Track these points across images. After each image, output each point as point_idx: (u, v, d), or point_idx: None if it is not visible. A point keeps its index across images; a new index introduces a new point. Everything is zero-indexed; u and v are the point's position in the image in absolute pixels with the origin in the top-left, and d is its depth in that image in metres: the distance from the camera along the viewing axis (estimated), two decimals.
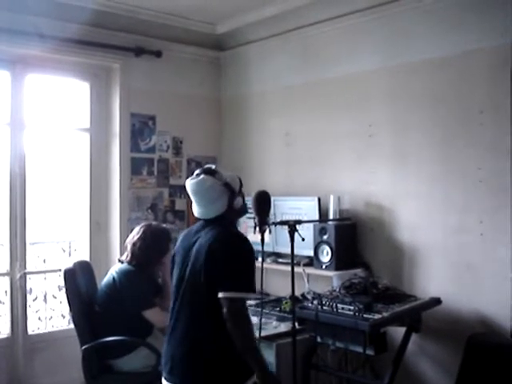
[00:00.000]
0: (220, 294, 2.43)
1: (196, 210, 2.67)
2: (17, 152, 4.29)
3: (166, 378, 2.60)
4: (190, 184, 2.64)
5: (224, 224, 2.61)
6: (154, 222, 4.11)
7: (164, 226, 4.12)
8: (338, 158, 4.27)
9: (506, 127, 3.34)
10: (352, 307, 3.23)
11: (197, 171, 2.69)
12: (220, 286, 2.44)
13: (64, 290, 3.74)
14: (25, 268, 4.32)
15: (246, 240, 2.57)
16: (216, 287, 2.45)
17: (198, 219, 2.71)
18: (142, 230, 3.82)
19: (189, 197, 2.71)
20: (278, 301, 4.14)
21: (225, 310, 2.42)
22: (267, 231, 2.97)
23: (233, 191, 2.63)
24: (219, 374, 2.48)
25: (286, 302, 3.94)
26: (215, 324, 2.47)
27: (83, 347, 3.55)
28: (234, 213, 2.67)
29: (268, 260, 4.32)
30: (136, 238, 3.78)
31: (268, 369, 2.52)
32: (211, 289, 2.46)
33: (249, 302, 2.74)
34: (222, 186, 2.60)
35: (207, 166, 2.73)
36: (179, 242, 2.76)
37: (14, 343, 4.26)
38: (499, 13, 3.38)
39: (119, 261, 3.83)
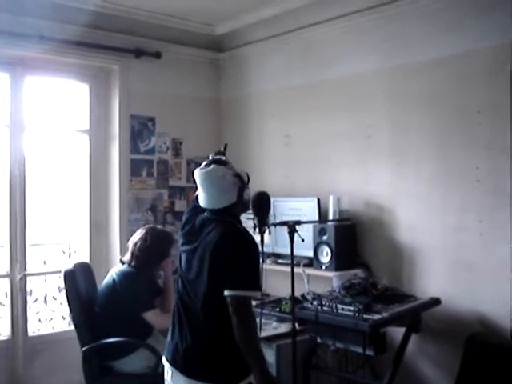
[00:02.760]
0: (226, 292, 2.43)
1: (204, 200, 2.62)
2: (16, 154, 4.30)
3: (169, 362, 2.62)
4: (200, 173, 2.60)
5: (230, 219, 2.59)
6: (158, 226, 4.12)
7: (168, 231, 4.12)
8: (337, 159, 4.27)
9: (503, 127, 3.35)
10: (352, 308, 3.23)
11: (206, 161, 2.66)
12: (226, 284, 2.44)
13: (64, 291, 3.74)
14: (25, 270, 4.32)
15: (251, 238, 2.56)
16: (221, 285, 2.44)
17: (202, 210, 2.67)
18: (144, 231, 3.83)
19: (194, 191, 2.68)
20: (278, 301, 4.14)
21: (231, 308, 2.43)
22: (267, 232, 2.97)
23: (243, 182, 2.62)
24: (219, 370, 2.49)
25: (286, 303, 3.94)
26: (218, 321, 2.49)
27: (83, 348, 3.56)
28: (241, 205, 2.65)
29: (268, 261, 4.33)
30: (138, 238, 3.79)
31: (268, 370, 2.51)
32: (216, 286, 2.46)
33: None
34: (234, 177, 2.58)
35: (216, 156, 2.71)
36: (183, 235, 2.73)
37: (14, 345, 4.26)
38: (497, 13, 3.38)
39: (121, 261, 3.83)
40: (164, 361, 2.66)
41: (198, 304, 2.54)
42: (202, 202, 2.63)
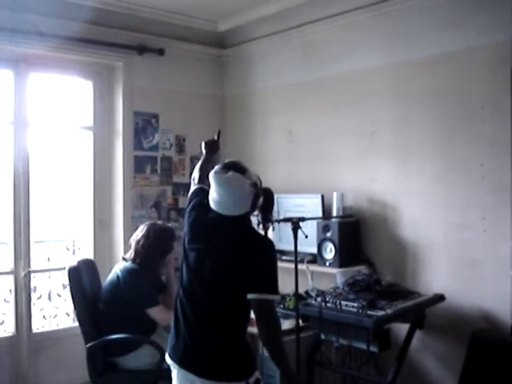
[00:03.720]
0: (251, 296, 2.43)
1: (218, 206, 2.55)
2: (20, 151, 4.30)
3: (176, 362, 2.59)
4: (217, 178, 2.53)
5: (245, 222, 2.59)
6: (159, 222, 4.12)
7: (169, 225, 4.12)
8: (340, 155, 4.27)
9: (507, 123, 3.34)
10: (356, 304, 3.23)
11: (223, 165, 2.59)
12: (252, 287, 2.44)
13: (68, 288, 3.75)
14: (29, 266, 4.33)
15: (272, 242, 2.59)
16: (241, 288, 2.45)
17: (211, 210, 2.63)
18: (146, 228, 3.83)
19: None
20: (282, 298, 4.13)
21: (257, 311, 2.44)
22: (270, 228, 2.96)
23: (258, 190, 2.59)
24: (229, 368, 2.49)
25: (290, 299, 3.95)
26: (230, 321, 2.50)
27: (87, 345, 3.56)
28: (253, 211, 2.64)
29: None
30: (140, 236, 3.79)
31: (293, 371, 2.55)
32: (234, 289, 2.47)
33: None
34: (250, 186, 2.54)
35: (233, 160, 2.65)
36: (193, 232, 2.68)
37: (18, 341, 4.27)
38: (499, 9, 3.37)
39: (123, 259, 3.84)
40: (168, 360, 2.63)
41: (210, 304, 2.52)
42: (215, 207, 2.57)
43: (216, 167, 2.61)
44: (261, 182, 2.67)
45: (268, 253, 2.53)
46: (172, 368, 2.63)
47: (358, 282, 3.52)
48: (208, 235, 2.60)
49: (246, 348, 2.54)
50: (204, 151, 3.19)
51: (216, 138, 3.13)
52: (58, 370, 4.34)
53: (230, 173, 2.53)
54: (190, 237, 2.68)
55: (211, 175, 2.57)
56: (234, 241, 2.51)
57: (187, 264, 2.64)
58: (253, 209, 2.61)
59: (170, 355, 2.63)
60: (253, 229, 2.62)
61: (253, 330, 2.59)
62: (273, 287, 2.48)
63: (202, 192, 2.80)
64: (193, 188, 2.93)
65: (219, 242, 2.55)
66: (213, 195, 2.58)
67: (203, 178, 2.92)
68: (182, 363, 2.56)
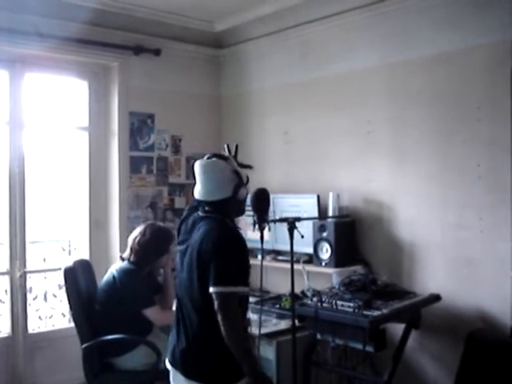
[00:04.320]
0: (210, 289, 2.44)
1: (199, 192, 2.63)
2: (16, 151, 4.30)
3: (170, 363, 2.66)
4: (200, 164, 2.63)
5: (220, 216, 2.60)
6: (159, 223, 4.12)
7: (167, 227, 4.12)
8: (336, 156, 4.27)
9: (504, 123, 3.34)
10: (352, 304, 3.23)
11: (207, 155, 2.69)
12: (210, 280, 2.45)
13: (64, 288, 3.74)
14: (25, 267, 4.33)
15: (235, 235, 2.58)
16: (207, 283, 2.46)
17: (197, 203, 2.69)
18: (144, 226, 3.85)
19: (193, 188, 2.68)
20: (278, 298, 4.15)
21: (215, 304, 2.44)
22: (266, 229, 2.96)
23: (241, 180, 2.62)
24: (216, 370, 2.50)
25: (286, 300, 3.95)
26: (212, 321, 2.47)
27: (83, 346, 3.56)
28: (234, 204, 2.64)
29: (267, 257, 4.32)
30: (137, 233, 3.81)
31: (257, 367, 2.49)
32: (204, 285, 2.47)
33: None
34: (232, 173, 2.60)
35: (218, 152, 2.72)
36: (180, 235, 2.76)
37: (14, 342, 4.26)
38: (497, 9, 3.37)
39: (121, 258, 3.83)
40: (166, 362, 2.69)
41: (190, 304, 2.56)
42: (197, 194, 2.65)
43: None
44: (248, 180, 2.69)
45: (225, 243, 2.51)
46: (169, 369, 2.68)
47: (353, 282, 3.52)
48: (186, 235, 2.67)
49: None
50: None
51: (234, 151, 2.91)
52: (54, 371, 4.33)
53: (213, 158, 2.63)
54: (178, 239, 2.76)
55: (196, 164, 2.66)
56: (201, 236, 2.54)
57: (177, 266, 2.71)
58: (234, 196, 2.60)
59: (167, 358, 2.69)
60: (221, 221, 2.59)
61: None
62: (231, 279, 2.45)
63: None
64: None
65: (192, 241, 2.59)
66: (196, 183, 2.65)
67: None
68: (173, 363, 2.63)
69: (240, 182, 2.62)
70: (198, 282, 2.50)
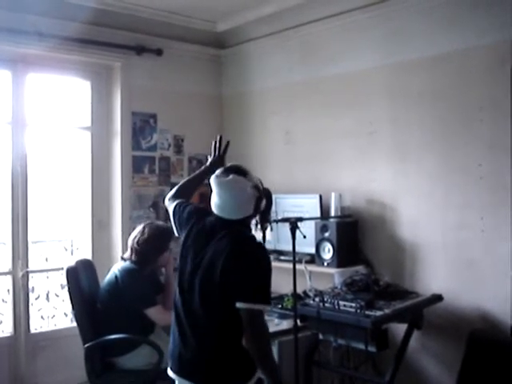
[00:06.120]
0: (239, 305, 2.39)
1: (219, 209, 2.55)
2: (18, 151, 4.30)
3: (174, 371, 2.60)
4: (218, 182, 2.52)
5: (242, 228, 2.56)
6: (158, 222, 4.12)
7: (167, 225, 4.12)
8: (338, 156, 4.27)
9: (505, 123, 3.34)
10: (354, 304, 3.24)
11: (224, 169, 2.59)
12: (240, 296, 2.40)
13: (66, 288, 3.75)
14: (27, 267, 4.33)
15: (265, 249, 2.55)
16: (231, 295, 2.40)
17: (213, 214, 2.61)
18: (143, 225, 3.85)
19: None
20: (280, 298, 4.14)
21: (244, 321, 2.40)
22: (268, 229, 2.95)
23: (260, 193, 2.56)
24: (226, 374, 2.48)
25: (288, 300, 3.95)
26: (224, 326, 2.46)
27: (86, 345, 3.56)
28: (256, 216, 2.62)
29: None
30: (136, 232, 3.81)
31: (281, 381, 2.49)
32: (224, 295, 2.42)
33: None
34: (252, 189, 2.52)
35: (234, 164, 2.64)
36: (192, 235, 2.65)
37: (16, 342, 4.27)
38: (498, 10, 3.38)
39: (122, 258, 3.84)
40: (169, 371, 2.62)
41: (202, 310, 2.49)
42: (217, 211, 2.56)
43: (217, 171, 2.59)
44: (263, 186, 2.63)
45: (258, 262, 2.47)
46: (174, 378, 2.61)
47: (356, 282, 3.52)
48: (204, 239, 2.58)
49: (243, 352, 2.46)
50: (208, 164, 3.10)
51: (223, 150, 3.06)
52: (56, 371, 4.33)
53: (232, 176, 2.51)
54: (186, 239, 2.67)
55: (213, 179, 2.56)
56: (227, 248, 2.46)
57: (182, 270, 2.62)
58: (255, 213, 2.58)
59: (170, 367, 2.62)
60: (249, 236, 2.56)
61: None
62: (261, 297, 2.43)
63: (188, 204, 2.83)
64: (173, 205, 2.89)
65: (213, 248, 2.51)
66: (214, 199, 2.57)
67: (185, 192, 2.99)
68: (179, 373, 2.56)
69: (260, 195, 2.56)
70: (219, 292, 2.44)
